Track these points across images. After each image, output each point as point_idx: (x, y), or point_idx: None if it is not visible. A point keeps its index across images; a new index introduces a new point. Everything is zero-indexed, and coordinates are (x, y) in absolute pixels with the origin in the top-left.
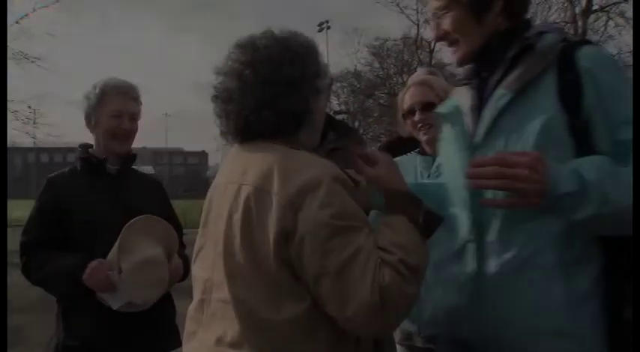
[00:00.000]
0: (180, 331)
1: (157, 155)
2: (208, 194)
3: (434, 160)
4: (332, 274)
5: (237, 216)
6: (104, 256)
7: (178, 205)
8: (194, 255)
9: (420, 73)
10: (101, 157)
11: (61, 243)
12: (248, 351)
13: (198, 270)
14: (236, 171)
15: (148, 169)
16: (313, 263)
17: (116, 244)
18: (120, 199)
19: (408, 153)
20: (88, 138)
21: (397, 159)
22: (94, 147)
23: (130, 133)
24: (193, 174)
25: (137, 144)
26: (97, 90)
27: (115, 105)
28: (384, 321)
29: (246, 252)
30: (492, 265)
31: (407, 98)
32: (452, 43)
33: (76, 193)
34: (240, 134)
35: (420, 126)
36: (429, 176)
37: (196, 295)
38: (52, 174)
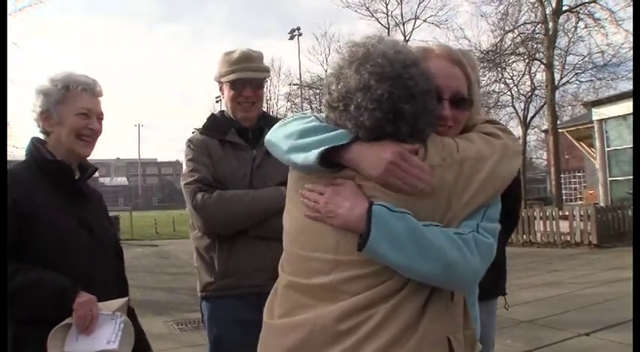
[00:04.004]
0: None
1: (130, 166)
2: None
3: None
4: None
5: None
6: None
7: (152, 216)
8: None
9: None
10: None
11: (20, 253)
12: None
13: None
14: None
15: (121, 180)
16: None
17: (122, 299)
18: (82, 213)
19: None
20: None
21: None
22: (50, 148)
23: (97, 135)
24: (167, 184)
25: (111, 155)
26: (60, 86)
27: (83, 103)
28: None
29: None
30: None
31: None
32: None
33: (37, 198)
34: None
35: (449, 124)
36: None
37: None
38: (11, 168)
